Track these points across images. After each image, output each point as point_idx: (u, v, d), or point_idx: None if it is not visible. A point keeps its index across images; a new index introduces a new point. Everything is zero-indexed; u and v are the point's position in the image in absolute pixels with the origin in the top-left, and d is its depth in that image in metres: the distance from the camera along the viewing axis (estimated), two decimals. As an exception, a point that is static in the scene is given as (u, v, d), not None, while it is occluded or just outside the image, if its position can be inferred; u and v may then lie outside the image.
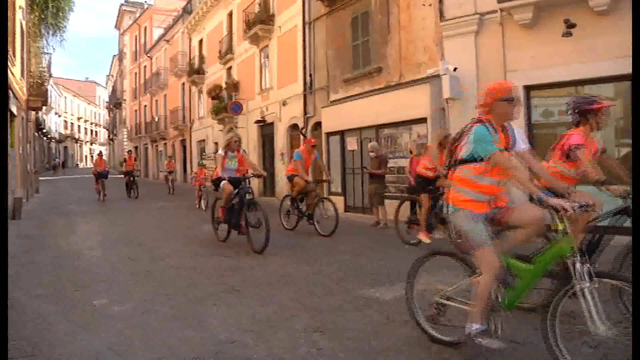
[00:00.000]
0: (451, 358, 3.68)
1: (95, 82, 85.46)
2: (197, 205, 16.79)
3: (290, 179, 10.71)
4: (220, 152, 8.82)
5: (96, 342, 4.10)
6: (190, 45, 31.74)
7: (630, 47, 9.03)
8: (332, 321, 4.55)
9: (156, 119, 39.76)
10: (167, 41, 36.18)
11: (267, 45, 20.88)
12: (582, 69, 9.61)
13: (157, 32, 40.83)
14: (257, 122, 21.18)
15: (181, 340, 4.11)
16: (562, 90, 10.30)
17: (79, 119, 78.23)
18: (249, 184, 8.64)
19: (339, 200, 14.71)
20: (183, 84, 32.99)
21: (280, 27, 19.48)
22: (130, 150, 26.97)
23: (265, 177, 9.77)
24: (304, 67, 17.29)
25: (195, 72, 29.61)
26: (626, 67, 9.16)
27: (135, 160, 22.70)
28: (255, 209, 8.23)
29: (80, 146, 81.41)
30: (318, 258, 6.96)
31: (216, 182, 8.76)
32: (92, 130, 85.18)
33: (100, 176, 19.43)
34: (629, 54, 8.99)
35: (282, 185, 17.77)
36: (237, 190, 8.50)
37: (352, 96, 14.39)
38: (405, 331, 4.23)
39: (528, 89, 10.32)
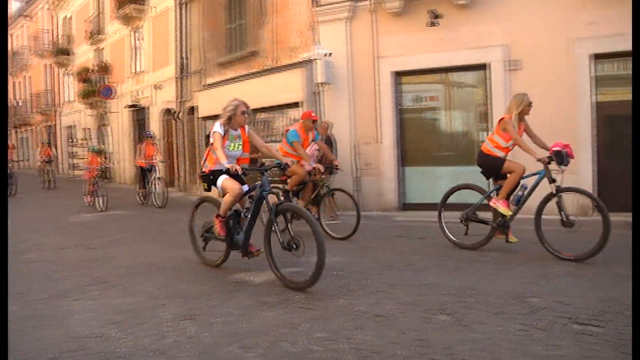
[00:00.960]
0: (315, 335, 3.75)
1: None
2: (89, 202, 13.34)
3: (282, 166, 8.25)
4: (218, 128, 5.48)
5: None
6: (55, 23, 29.45)
7: (486, 39, 9.87)
8: (202, 307, 4.48)
9: (18, 103, 36.70)
10: (28, 17, 33.33)
11: (140, 26, 19.96)
12: (447, 57, 10.26)
13: (15, 6, 37.39)
14: (130, 106, 20.29)
15: (37, 340, 3.83)
16: (430, 76, 10.93)
17: None
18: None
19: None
20: (48, 65, 30.64)
21: (154, 7, 18.69)
22: None
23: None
24: (179, 50, 16.77)
25: (62, 52, 27.56)
26: (484, 57, 9.98)
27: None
28: (286, 220, 5.30)
29: None
30: (187, 244, 6.76)
31: (210, 176, 5.67)
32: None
33: None
34: (487, 45, 9.85)
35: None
36: (247, 190, 5.65)
37: (227, 80, 14.21)
38: (275, 313, 4.26)
39: (398, 74, 10.81)
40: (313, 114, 8.13)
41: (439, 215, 7.05)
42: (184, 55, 16.63)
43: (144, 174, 13.68)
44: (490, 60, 9.92)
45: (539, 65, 9.63)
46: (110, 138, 23.41)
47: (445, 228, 7.01)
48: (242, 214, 5.70)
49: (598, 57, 9.43)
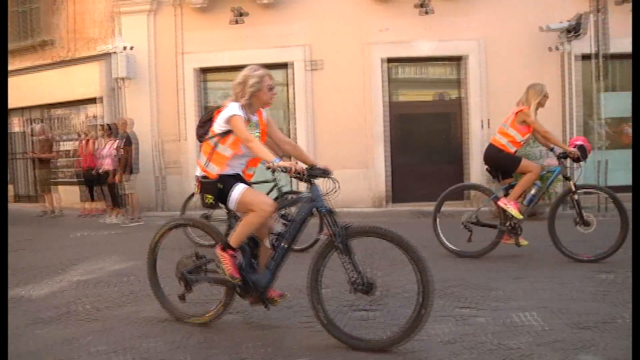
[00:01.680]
0: (96, 348, 3.52)
1: None
2: None
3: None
4: (238, 110, 3.57)
5: None
6: None
7: (289, 39, 10.18)
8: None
9: None
10: None
11: None
12: (252, 55, 10.32)
13: None
14: None
15: None
16: (238, 74, 10.96)
17: None
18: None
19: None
20: None
21: None
22: None
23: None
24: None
25: None
26: (287, 56, 10.29)
27: None
28: (350, 250, 3.47)
29: None
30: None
31: (217, 183, 3.64)
32: None
33: None
34: (290, 44, 10.15)
35: None
36: (282, 206, 3.86)
37: (16, 70, 12.84)
38: (52, 329, 3.94)
39: (202, 71, 10.73)
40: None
41: (434, 220, 6.10)
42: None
43: None
44: (293, 59, 10.28)
45: (339, 67, 10.23)
46: None
47: (441, 235, 6.08)
48: (270, 243, 3.77)
49: (390, 60, 10.30)
